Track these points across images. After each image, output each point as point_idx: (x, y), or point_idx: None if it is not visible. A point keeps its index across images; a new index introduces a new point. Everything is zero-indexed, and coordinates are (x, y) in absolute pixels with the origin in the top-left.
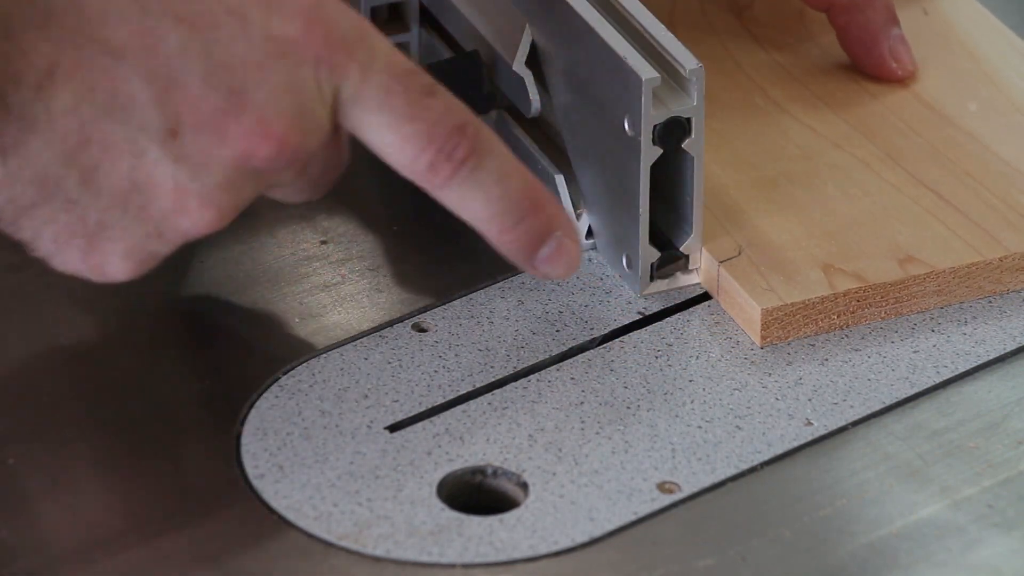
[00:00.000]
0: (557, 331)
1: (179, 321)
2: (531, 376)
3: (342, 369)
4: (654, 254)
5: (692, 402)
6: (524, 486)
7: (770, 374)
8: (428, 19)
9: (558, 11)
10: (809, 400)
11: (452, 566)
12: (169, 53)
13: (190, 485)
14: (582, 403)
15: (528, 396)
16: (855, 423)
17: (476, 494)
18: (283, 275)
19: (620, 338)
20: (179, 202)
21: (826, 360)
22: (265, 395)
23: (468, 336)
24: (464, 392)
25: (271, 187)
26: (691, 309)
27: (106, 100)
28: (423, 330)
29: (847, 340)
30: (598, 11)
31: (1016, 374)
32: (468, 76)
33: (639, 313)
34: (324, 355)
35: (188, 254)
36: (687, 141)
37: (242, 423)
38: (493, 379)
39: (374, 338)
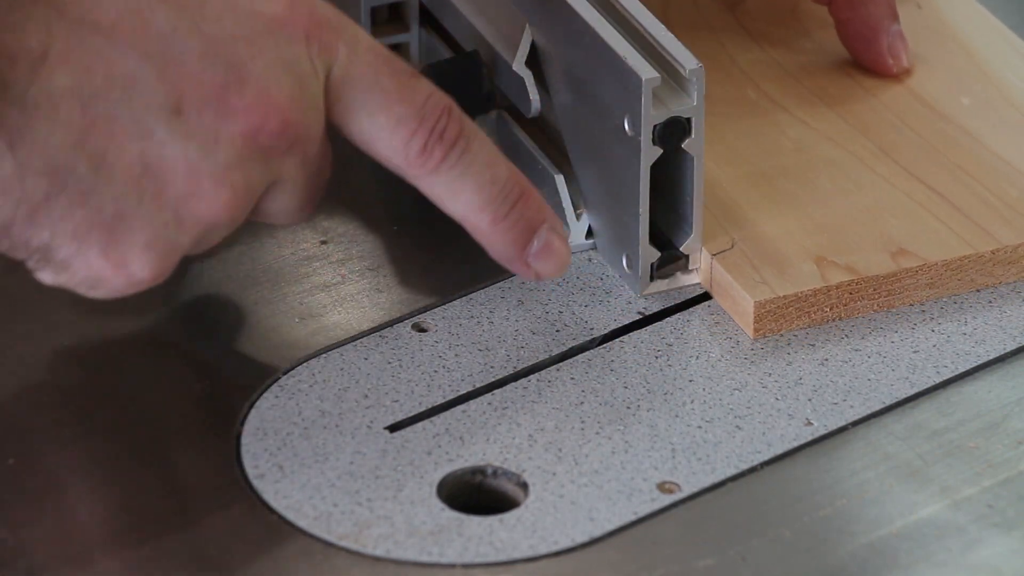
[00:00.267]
0: (557, 331)
1: (179, 321)
2: (531, 376)
3: (342, 369)
4: (654, 254)
5: (692, 402)
6: (524, 486)
7: (770, 374)
8: (428, 19)
9: (558, 11)
10: (809, 400)
11: (452, 566)
12: (161, 31)
13: (190, 485)
14: (582, 403)
15: (528, 396)
16: (855, 423)
17: (476, 494)
18: (283, 275)
19: (620, 338)
20: (193, 184)
21: (826, 360)
22: (265, 395)
23: (468, 336)
24: (464, 392)
25: (274, 183)
26: (691, 309)
27: (105, 81)
28: (423, 330)
29: (847, 340)
30: (598, 11)
31: (1016, 374)
32: (468, 76)
33: (639, 313)
34: (324, 355)
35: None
36: (687, 141)
37: (242, 423)
38: (493, 379)
39: (374, 338)
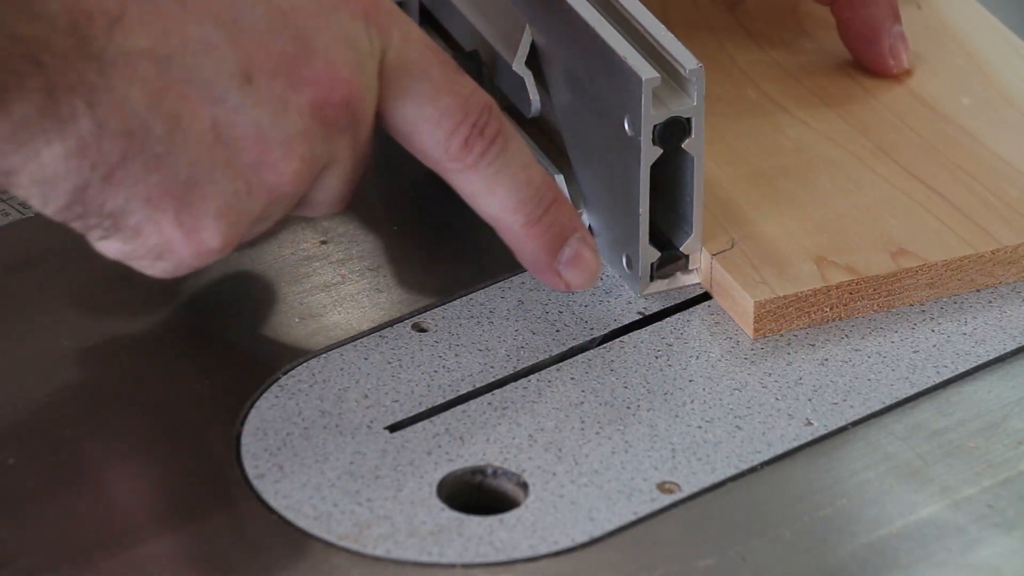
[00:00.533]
0: (557, 331)
1: (179, 321)
2: (531, 376)
3: (342, 369)
4: (654, 254)
5: (692, 402)
6: (524, 486)
7: (770, 374)
8: (428, 19)
9: (558, 11)
10: (809, 400)
11: (452, 566)
12: (232, 0)
13: (190, 485)
14: (582, 403)
15: (528, 396)
16: (855, 423)
17: (476, 494)
18: (283, 275)
19: (620, 338)
20: (263, 152)
21: (826, 360)
22: (265, 395)
23: (468, 336)
24: (464, 392)
25: (327, 166)
26: (691, 309)
27: (180, 44)
28: (423, 330)
29: (847, 340)
30: (598, 11)
31: (1016, 374)
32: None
33: (639, 313)
34: (324, 355)
35: None
36: (687, 141)
37: (242, 423)
38: (493, 379)
39: (374, 338)
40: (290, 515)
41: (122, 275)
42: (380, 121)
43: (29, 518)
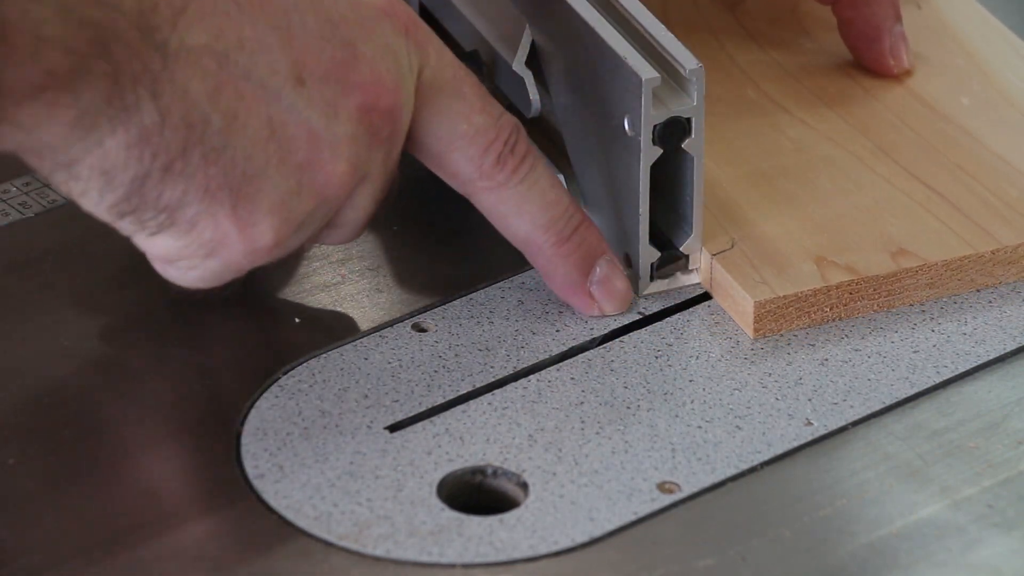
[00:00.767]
0: (557, 331)
1: (179, 321)
2: (531, 376)
3: (342, 369)
4: (654, 254)
5: (692, 402)
6: (524, 486)
7: (770, 374)
8: (428, 19)
9: (558, 11)
10: (809, 400)
11: (452, 566)
12: (284, 5)
13: (190, 485)
14: (582, 403)
15: (528, 396)
16: (855, 423)
17: (476, 494)
18: (283, 275)
19: (620, 338)
20: (313, 152)
21: (826, 360)
22: (265, 395)
23: (468, 336)
24: (464, 392)
25: (365, 176)
26: (691, 309)
27: (237, 43)
28: (423, 330)
29: (847, 340)
30: (598, 11)
31: (1016, 374)
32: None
33: (639, 313)
34: (324, 355)
35: None
36: (687, 141)
37: (242, 423)
38: (493, 379)
39: (374, 338)
40: (290, 515)
41: (122, 275)
42: (410, 142)
43: (29, 518)
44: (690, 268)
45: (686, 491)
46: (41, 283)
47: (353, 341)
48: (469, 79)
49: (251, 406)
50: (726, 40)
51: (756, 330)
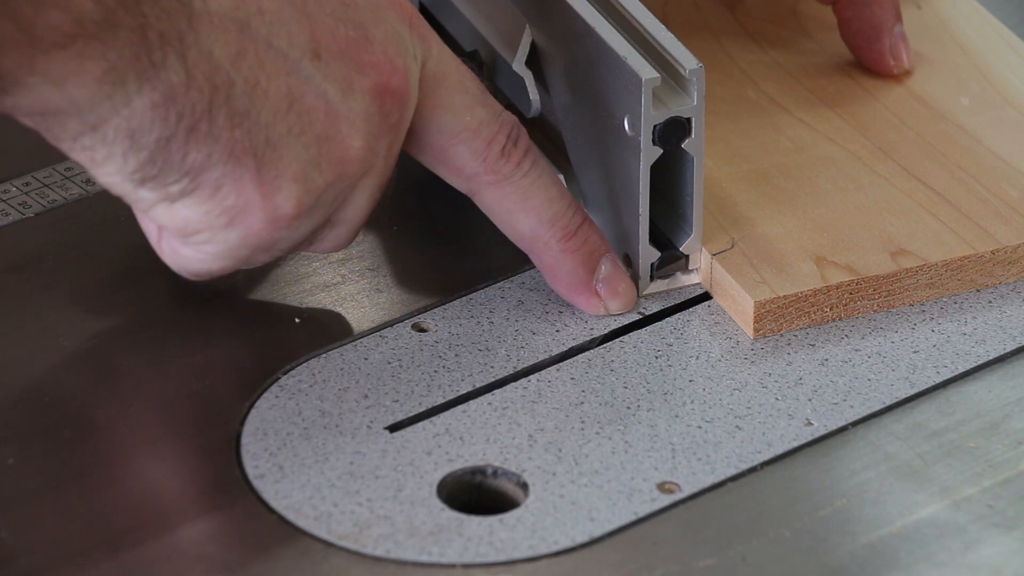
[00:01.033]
0: (557, 331)
1: (179, 321)
2: (531, 376)
3: (342, 369)
4: (654, 254)
5: (692, 402)
6: (524, 486)
7: (770, 374)
8: (428, 19)
9: (558, 11)
10: (809, 400)
11: (452, 566)
12: None
13: (190, 485)
14: (582, 403)
15: (528, 396)
16: (855, 423)
17: (476, 494)
18: (283, 275)
19: (620, 338)
20: (331, 125)
21: (826, 360)
22: (265, 395)
23: (468, 336)
24: (464, 392)
25: (370, 167)
26: (691, 309)
27: (256, 13)
28: (423, 330)
29: (847, 340)
30: (598, 11)
31: (1016, 374)
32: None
33: (639, 313)
34: (324, 355)
35: None
36: (687, 141)
37: (242, 423)
38: (493, 379)
39: (374, 338)
40: (290, 515)
41: (122, 275)
42: (411, 139)
43: (29, 518)
44: (690, 268)
45: (686, 491)
46: (41, 283)
47: (353, 341)
48: (470, 74)
49: (251, 406)
50: (726, 40)
51: (756, 330)
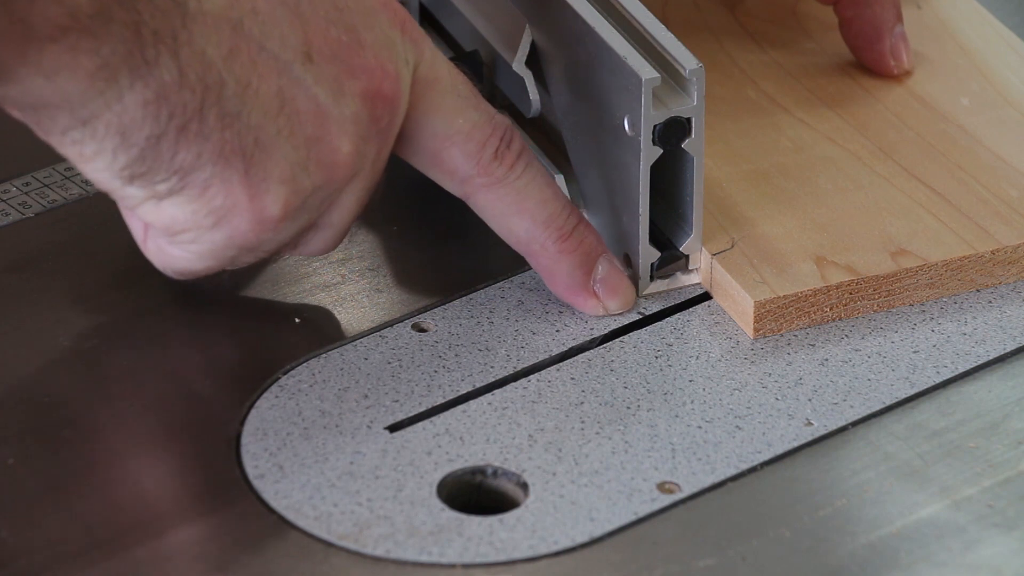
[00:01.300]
0: (557, 331)
1: (179, 321)
2: (531, 376)
3: (342, 369)
4: (654, 254)
5: (692, 402)
6: (524, 486)
7: (770, 374)
8: (428, 19)
9: (558, 11)
10: (809, 400)
11: (452, 566)
12: None
13: (190, 485)
14: (582, 403)
15: (528, 396)
16: (855, 423)
17: (476, 494)
18: (283, 275)
19: (620, 338)
20: (321, 128)
21: (826, 360)
22: (265, 395)
23: (468, 336)
24: (464, 392)
25: (358, 170)
26: (691, 309)
27: (250, 14)
28: (423, 330)
29: (847, 340)
30: (598, 11)
31: (1016, 374)
32: (468, 77)
33: (639, 313)
34: (324, 355)
35: None
36: (687, 141)
37: (242, 423)
38: (493, 379)
39: (374, 338)
40: (290, 515)
41: (122, 275)
42: (403, 142)
43: (29, 518)
44: (690, 268)
45: (686, 491)
46: (41, 283)
47: (353, 341)
48: (462, 77)
49: (251, 406)
50: (726, 40)
51: (756, 330)
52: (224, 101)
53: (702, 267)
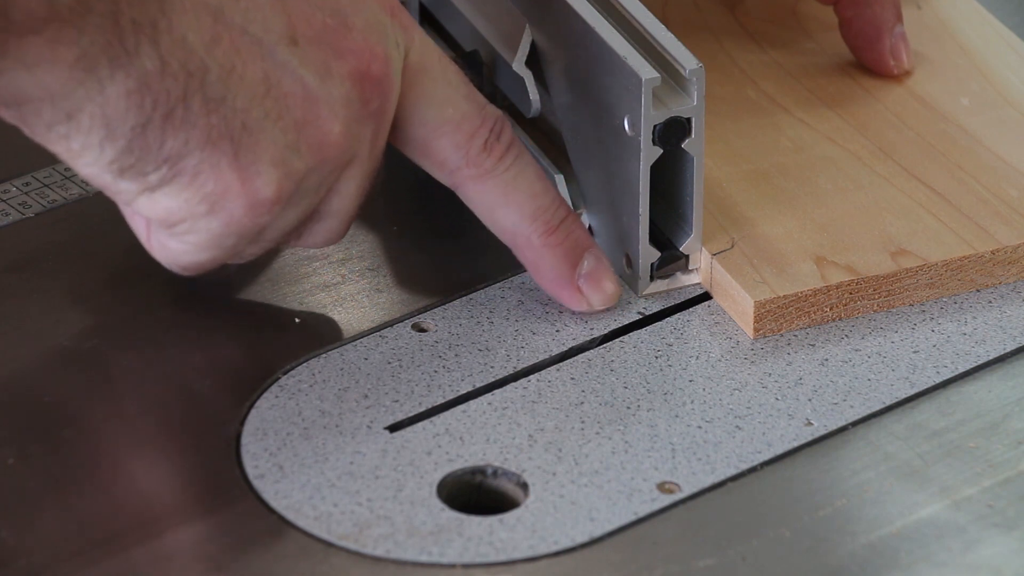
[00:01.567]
0: (557, 331)
1: (179, 321)
2: (531, 376)
3: (342, 369)
4: (654, 254)
5: (692, 402)
6: (524, 486)
7: (770, 374)
8: (428, 19)
9: (558, 11)
10: (809, 400)
11: (452, 566)
12: None
13: (190, 485)
14: (582, 403)
15: (528, 396)
16: (855, 423)
17: (476, 494)
18: (283, 275)
19: (620, 338)
20: (309, 110)
21: (826, 360)
22: (265, 395)
23: (468, 336)
24: (464, 392)
25: (354, 156)
26: (691, 309)
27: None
28: (423, 330)
29: (847, 340)
30: (598, 11)
31: (1016, 374)
32: (468, 76)
33: (639, 313)
34: (324, 355)
35: None
36: (687, 141)
37: (242, 423)
38: (493, 379)
39: (374, 338)
40: (290, 515)
41: (122, 275)
42: (394, 130)
43: (29, 518)
44: (690, 268)
45: (686, 491)
46: (41, 283)
47: (353, 341)
48: (453, 66)
49: (251, 406)
50: (726, 40)
51: (756, 330)
52: (208, 87)
53: (702, 267)
